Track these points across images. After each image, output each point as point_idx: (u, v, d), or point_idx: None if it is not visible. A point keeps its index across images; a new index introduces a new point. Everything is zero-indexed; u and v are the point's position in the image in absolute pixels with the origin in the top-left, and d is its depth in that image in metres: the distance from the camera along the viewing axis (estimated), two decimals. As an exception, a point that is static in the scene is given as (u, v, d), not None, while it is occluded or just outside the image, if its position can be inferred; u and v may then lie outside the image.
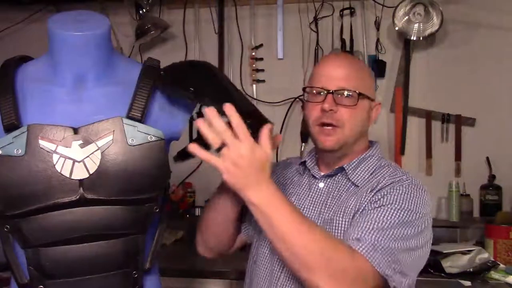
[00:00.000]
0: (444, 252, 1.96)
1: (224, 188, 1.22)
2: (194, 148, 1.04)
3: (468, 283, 1.83)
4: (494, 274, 1.89)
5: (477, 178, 2.47)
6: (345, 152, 1.26)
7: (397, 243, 1.09)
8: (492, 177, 2.44)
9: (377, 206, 1.14)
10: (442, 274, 1.89)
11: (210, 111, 1.01)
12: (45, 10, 2.73)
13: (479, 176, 2.47)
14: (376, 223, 1.10)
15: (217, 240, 1.36)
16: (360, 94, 1.21)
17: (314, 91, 1.24)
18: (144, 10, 2.66)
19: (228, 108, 1.01)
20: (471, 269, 1.92)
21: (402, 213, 1.12)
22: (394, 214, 1.12)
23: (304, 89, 1.29)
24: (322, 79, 1.24)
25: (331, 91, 1.21)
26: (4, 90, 1.04)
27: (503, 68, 2.47)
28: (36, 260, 1.02)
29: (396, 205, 1.13)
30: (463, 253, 1.99)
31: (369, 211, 1.14)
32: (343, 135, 1.22)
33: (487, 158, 2.45)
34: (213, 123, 1.01)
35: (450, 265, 1.92)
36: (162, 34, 2.67)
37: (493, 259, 2.00)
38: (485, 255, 1.99)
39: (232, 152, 1.01)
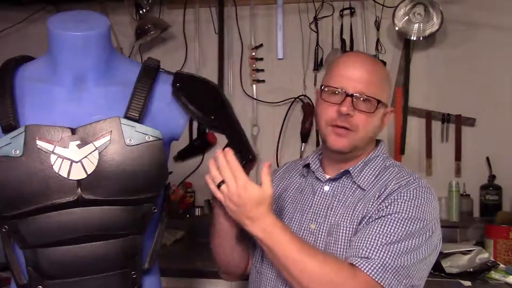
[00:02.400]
0: (444, 252, 1.95)
1: (218, 213, 1.24)
2: (207, 180, 1.14)
3: (468, 283, 1.83)
4: (494, 274, 1.89)
5: (477, 178, 2.47)
6: (354, 155, 1.25)
7: (406, 257, 1.09)
8: (492, 177, 2.44)
9: (383, 215, 1.13)
10: (442, 274, 1.89)
11: (226, 153, 1.10)
12: (45, 10, 2.73)
13: (479, 176, 2.47)
14: (383, 237, 1.10)
15: (229, 264, 1.37)
16: (379, 101, 1.20)
17: (331, 91, 1.21)
18: (144, 10, 2.66)
19: (227, 151, 1.10)
20: (471, 269, 1.91)
21: (409, 223, 1.11)
22: (401, 225, 1.11)
23: (321, 86, 1.25)
24: (341, 79, 1.20)
25: (350, 94, 1.18)
26: (3, 90, 1.04)
27: (503, 68, 2.47)
28: (35, 261, 1.02)
29: (403, 215, 1.12)
30: (463, 253, 1.98)
31: (376, 221, 1.13)
32: (355, 139, 1.20)
33: (487, 158, 2.45)
34: (218, 161, 1.11)
35: (450, 265, 1.92)
36: (162, 34, 2.67)
37: (493, 259, 1.99)
38: (485, 255, 1.99)
39: (229, 190, 1.10)
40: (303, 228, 1.24)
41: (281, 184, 1.38)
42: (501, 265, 1.96)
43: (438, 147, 2.54)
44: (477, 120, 2.50)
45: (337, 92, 1.19)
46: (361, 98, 1.18)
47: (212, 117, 1.13)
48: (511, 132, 2.46)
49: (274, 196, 1.34)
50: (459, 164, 2.51)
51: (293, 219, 1.27)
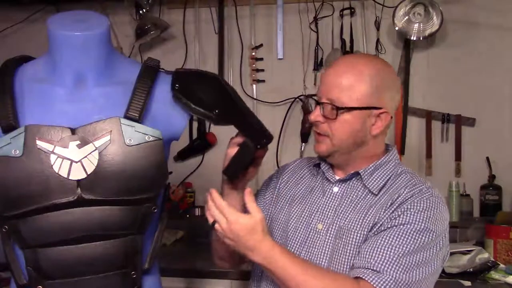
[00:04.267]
0: (444, 252, 1.95)
1: None
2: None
3: (468, 283, 1.83)
4: (494, 274, 1.89)
5: (477, 178, 2.46)
6: (342, 159, 1.25)
7: (418, 270, 1.09)
8: (492, 177, 2.44)
9: (395, 224, 1.13)
10: (442, 274, 1.89)
11: (211, 194, 1.15)
12: (45, 10, 2.73)
13: (479, 176, 2.46)
14: (395, 249, 1.09)
15: (227, 256, 1.37)
16: (339, 108, 1.17)
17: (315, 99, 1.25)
18: (144, 10, 2.66)
19: (212, 193, 1.15)
20: (471, 269, 1.91)
21: (421, 234, 1.11)
22: (413, 237, 1.11)
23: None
24: (320, 86, 1.24)
25: (320, 101, 1.22)
26: (3, 90, 1.04)
27: (503, 68, 2.47)
28: (35, 261, 1.03)
29: (415, 226, 1.12)
30: (463, 253, 1.98)
31: (387, 230, 1.13)
32: (330, 145, 1.22)
33: (487, 158, 2.45)
34: (208, 204, 1.15)
35: (450, 265, 1.91)
36: (162, 34, 2.66)
37: (493, 259, 1.99)
38: (485, 255, 1.99)
39: (222, 228, 1.13)
40: (310, 227, 1.23)
41: (291, 179, 1.37)
42: (501, 265, 1.96)
43: (438, 147, 2.54)
44: (477, 120, 2.50)
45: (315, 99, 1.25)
46: (326, 105, 1.20)
47: (216, 111, 1.13)
48: (511, 132, 2.46)
49: (286, 188, 1.36)
50: (459, 164, 2.51)
51: (301, 218, 1.26)
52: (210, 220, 1.16)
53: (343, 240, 1.17)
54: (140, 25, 2.62)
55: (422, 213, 1.13)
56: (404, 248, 1.09)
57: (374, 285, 1.06)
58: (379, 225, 1.15)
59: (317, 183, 1.31)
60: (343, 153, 1.23)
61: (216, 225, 1.14)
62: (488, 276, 1.89)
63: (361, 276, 1.08)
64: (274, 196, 1.36)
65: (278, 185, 1.38)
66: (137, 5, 2.66)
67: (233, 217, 1.12)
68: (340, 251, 1.17)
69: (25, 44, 2.53)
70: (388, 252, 1.09)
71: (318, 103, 1.22)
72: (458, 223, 2.38)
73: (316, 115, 1.22)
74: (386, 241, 1.11)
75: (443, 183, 2.43)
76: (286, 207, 1.31)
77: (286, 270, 1.10)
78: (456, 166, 2.51)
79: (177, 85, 1.12)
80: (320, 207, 1.25)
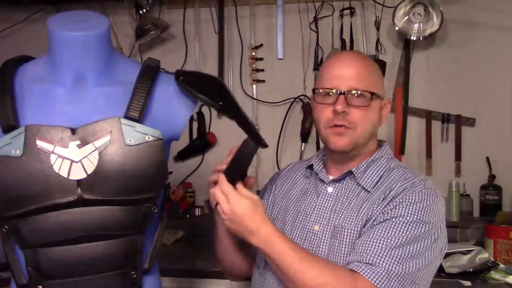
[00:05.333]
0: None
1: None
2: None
3: (468, 283, 1.83)
4: (494, 274, 1.89)
5: (477, 178, 2.46)
6: (356, 153, 1.24)
7: (411, 262, 1.08)
8: (492, 177, 2.44)
9: (388, 218, 1.12)
10: (442, 274, 1.89)
11: (218, 178, 1.14)
12: (45, 10, 2.73)
13: (479, 176, 2.46)
14: (388, 241, 1.09)
15: (233, 266, 1.37)
16: (372, 93, 1.19)
17: (324, 92, 1.21)
18: (144, 10, 2.66)
19: (220, 176, 1.14)
20: (471, 269, 1.91)
21: (414, 226, 1.11)
22: (406, 229, 1.10)
23: (313, 90, 1.26)
24: (331, 79, 1.21)
25: (342, 91, 1.18)
26: (3, 90, 1.04)
27: (503, 68, 2.46)
28: (35, 261, 1.03)
29: (408, 218, 1.11)
30: (463, 253, 1.98)
31: (380, 224, 1.12)
32: (355, 137, 1.20)
33: (487, 158, 2.45)
34: (214, 189, 1.15)
35: (450, 265, 1.91)
36: (162, 34, 2.66)
37: (493, 259, 1.99)
38: (485, 255, 1.98)
39: (223, 210, 1.12)
40: (306, 229, 1.23)
41: (285, 185, 1.37)
42: (501, 265, 1.96)
43: (438, 147, 2.54)
44: (477, 120, 2.50)
45: (330, 93, 1.20)
46: (354, 94, 1.18)
47: (221, 103, 1.15)
48: (511, 132, 2.46)
49: (280, 194, 1.35)
50: (459, 164, 2.51)
51: (297, 221, 1.26)
52: (214, 202, 1.15)
53: (338, 238, 1.17)
54: (140, 25, 2.63)
55: (414, 206, 1.13)
56: (396, 240, 1.09)
57: (367, 278, 1.06)
58: (372, 220, 1.15)
59: (311, 185, 1.31)
60: (360, 147, 1.23)
61: (218, 207, 1.13)
62: (488, 276, 1.89)
63: (355, 269, 1.08)
64: (270, 203, 1.36)
65: (273, 191, 1.38)
66: (137, 5, 2.67)
67: (235, 199, 1.11)
68: (335, 250, 1.17)
69: (25, 44, 2.53)
70: (381, 245, 1.09)
71: (341, 93, 1.18)
72: (458, 223, 2.38)
73: (343, 105, 1.18)
74: (379, 234, 1.11)
75: (443, 183, 2.43)
76: (282, 212, 1.31)
77: (284, 256, 1.09)
78: (456, 166, 2.51)
79: (181, 77, 1.13)
80: (316, 209, 1.25)
